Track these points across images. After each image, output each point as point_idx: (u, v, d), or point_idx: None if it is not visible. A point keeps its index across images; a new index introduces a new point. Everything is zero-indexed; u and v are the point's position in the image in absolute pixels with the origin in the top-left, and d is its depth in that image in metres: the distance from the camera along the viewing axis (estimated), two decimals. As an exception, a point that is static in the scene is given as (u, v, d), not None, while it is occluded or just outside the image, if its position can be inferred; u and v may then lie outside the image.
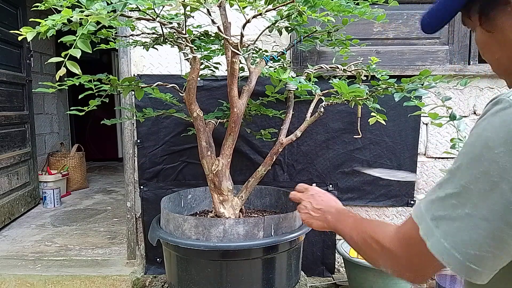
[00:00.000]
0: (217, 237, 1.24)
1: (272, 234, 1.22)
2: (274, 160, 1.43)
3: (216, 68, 1.67)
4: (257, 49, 1.57)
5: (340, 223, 0.89)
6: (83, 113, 1.40)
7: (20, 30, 0.82)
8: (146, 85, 1.49)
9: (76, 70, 0.81)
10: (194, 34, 1.54)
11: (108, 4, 0.88)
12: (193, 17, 1.31)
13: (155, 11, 1.08)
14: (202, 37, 1.57)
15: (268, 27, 1.39)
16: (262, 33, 1.41)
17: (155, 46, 1.49)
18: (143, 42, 1.52)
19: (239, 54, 1.20)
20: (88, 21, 0.81)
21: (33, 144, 3.49)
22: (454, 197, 0.53)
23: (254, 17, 1.17)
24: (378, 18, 1.27)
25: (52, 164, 4.00)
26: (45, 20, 0.85)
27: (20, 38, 0.82)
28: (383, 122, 1.34)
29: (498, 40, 0.61)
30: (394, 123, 2.05)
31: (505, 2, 0.57)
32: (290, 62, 2.01)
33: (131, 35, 1.47)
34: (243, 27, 1.21)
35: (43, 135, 4.25)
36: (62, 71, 0.79)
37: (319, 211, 0.98)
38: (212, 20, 1.19)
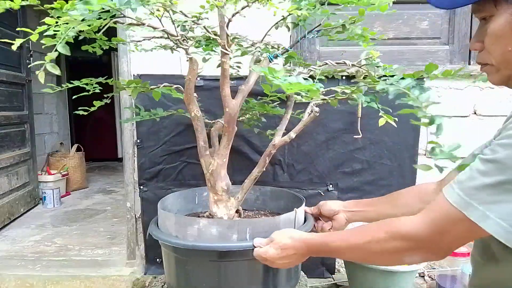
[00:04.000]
0: (193, 236, 1.24)
1: (248, 238, 1.20)
2: (267, 162, 1.41)
3: (239, 67, 1.65)
4: (263, 47, 1.52)
5: (329, 245, 0.86)
6: (87, 113, 1.46)
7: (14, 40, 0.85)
8: (155, 86, 1.51)
9: (56, 71, 0.84)
10: (199, 36, 1.53)
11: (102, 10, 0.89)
12: (198, 24, 1.30)
13: (161, 23, 1.09)
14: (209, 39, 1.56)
15: (277, 23, 1.35)
16: (269, 31, 1.39)
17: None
18: (145, 49, 1.51)
19: (227, 54, 1.20)
20: (68, 28, 0.84)
21: (33, 144, 3.48)
22: (509, 184, 0.60)
23: (237, 13, 1.16)
24: (381, 8, 1.22)
25: (51, 164, 3.99)
26: (37, 28, 0.88)
27: (14, 47, 0.86)
28: (394, 124, 1.29)
29: None
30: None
31: None
32: (290, 63, 2.01)
33: (132, 41, 1.47)
34: (227, 25, 1.21)
35: (43, 135, 4.24)
36: (42, 75, 0.84)
37: (286, 250, 0.95)
38: (206, 28, 1.19)
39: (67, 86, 1.36)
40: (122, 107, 2.06)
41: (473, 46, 0.74)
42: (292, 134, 1.32)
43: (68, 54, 0.86)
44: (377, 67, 1.20)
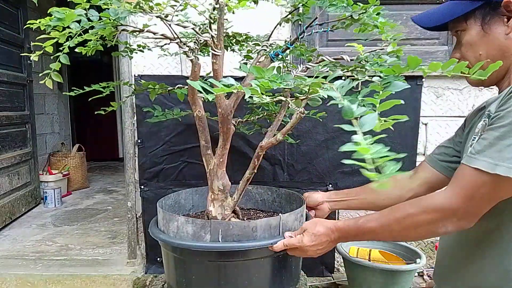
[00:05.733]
0: (173, 232, 1.27)
1: (220, 239, 1.21)
2: (257, 164, 1.40)
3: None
4: (269, 46, 1.50)
5: (363, 227, 0.93)
6: (106, 112, 1.53)
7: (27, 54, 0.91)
8: (171, 87, 1.55)
9: (59, 79, 0.94)
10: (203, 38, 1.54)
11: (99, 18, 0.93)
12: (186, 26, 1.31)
13: (175, 33, 1.11)
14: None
15: (286, 16, 1.35)
16: (274, 28, 1.39)
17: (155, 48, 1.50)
18: (147, 46, 1.52)
19: (218, 55, 1.20)
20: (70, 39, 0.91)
21: (34, 144, 3.50)
22: None
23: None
24: None
25: (53, 164, 4.01)
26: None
27: (34, 58, 0.94)
28: (391, 127, 1.27)
29: (486, 40, 0.83)
30: (393, 123, 2.05)
31: (503, 14, 0.80)
32: (290, 63, 2.02)
33: (133, 49, 1.47)
34: (210, 27, 1.22)
35: (44, 135, 4.26)
36: (50, 82, 0.92)
37: (320, 237, 1.02)
38: (195, 30, 1.19)
39: (85, 90, 1.41)
40: (123, 107, 2.07)
41: (454, 56, 0.91)
42: (279, 136, 1.30)
43: (68, 63, 0.93)
44: (366, 61, 1.17)
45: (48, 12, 0.90)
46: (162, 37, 1.18)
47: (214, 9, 1.19)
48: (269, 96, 0.86)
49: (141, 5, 0.96)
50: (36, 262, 2.24)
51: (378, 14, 1.16)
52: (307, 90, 0.87)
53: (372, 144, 0.60)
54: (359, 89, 0.94)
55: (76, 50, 1.14)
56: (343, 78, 1.18)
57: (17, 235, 2.75)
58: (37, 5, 1.10)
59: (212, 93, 0.74)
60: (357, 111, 0.66)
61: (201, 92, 0.76)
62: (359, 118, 0.66)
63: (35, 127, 3.56)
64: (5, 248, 2.48)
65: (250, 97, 0.79)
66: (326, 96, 0.78)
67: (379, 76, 0.92)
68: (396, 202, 1.15)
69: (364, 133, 0.65)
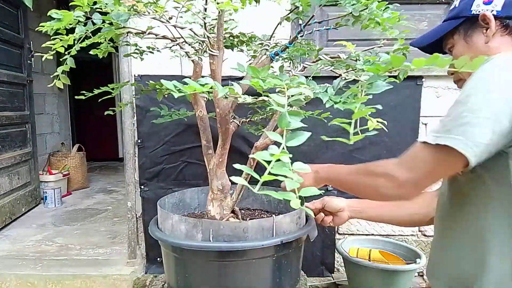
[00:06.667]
0: (168, 230, 1.29)
1: (211, 239, 1.22)
2: (253, 164, 1.40)
3: None
4: (271, 45, 1.49)
5: (332, 173, 1.03)
6: (114, 113, 1.54)
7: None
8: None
9: (67, 81, 0.98)
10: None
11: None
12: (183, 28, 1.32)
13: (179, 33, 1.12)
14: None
15: (287, 15, 1.34)
16: (276, 28, 1.39)
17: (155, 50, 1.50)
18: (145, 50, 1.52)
19: (215, 55, 1.20)
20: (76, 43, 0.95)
21: (34, 144, 3.50)
22: (467, 112, 0.72)
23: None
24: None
25: (53, 164, 4.01)
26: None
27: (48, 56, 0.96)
28: (383, 127, 1.29)
29: (470, 51, 0.92)
30: (393, 123, 2.05)
31: (481, 26, 0.90)
32: (291, 61, 2.02)
33: (136, 49, 1.47)
34: (205, 28, 1.22)
35: (44, 135, 4.26)
36: (60, 83, 0.97)
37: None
38: (192, 30, 1.19)
39: (94, 93, 1.41)
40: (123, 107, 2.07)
41: (449, 71, 0.95)
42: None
43: (74, 66, 0.96)
44: (356, 60, 1.17)
45: (47, 14, 0.91)
46: (163, 38, 1.18)
47: (205, 10, 1.20)
48: (266, 96, 0.85)
49: (135, 7, 0.96)
50: (36, 262, 2.24)
51: (386, 9, 1.18)
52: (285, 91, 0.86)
53: (277, 161, 0.54)
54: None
55: (91, 52, 1.17)
56: (343, 77, 1.18)
57: (17, 235, 2.75)
58: (32, 9, 1.11)
59: (185, 91, 0.75)
60: (293, 124, 0.61)
61: (172, 91, 0.77)
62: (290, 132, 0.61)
63: (35, 127, 3.56)
64: (5, 248, 2.48)
65: (235, 98, 0.80)
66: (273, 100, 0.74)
67: (368, 76, 0.92)
68: (421, 219, 1.17)
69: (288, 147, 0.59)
